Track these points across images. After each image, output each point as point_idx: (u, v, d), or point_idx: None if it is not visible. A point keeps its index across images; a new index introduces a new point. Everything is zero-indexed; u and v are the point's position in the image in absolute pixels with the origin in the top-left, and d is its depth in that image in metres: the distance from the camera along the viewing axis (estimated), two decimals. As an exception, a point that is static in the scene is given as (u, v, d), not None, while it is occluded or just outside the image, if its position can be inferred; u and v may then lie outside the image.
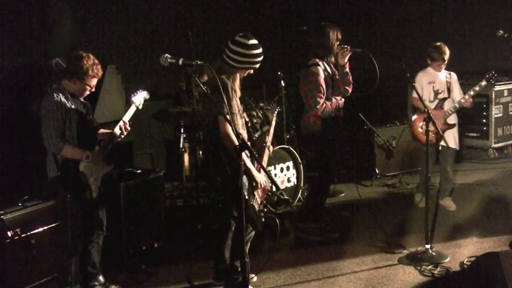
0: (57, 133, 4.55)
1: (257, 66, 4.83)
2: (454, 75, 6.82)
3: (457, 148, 6.86)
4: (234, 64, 4.73)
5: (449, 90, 6.73)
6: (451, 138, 6.69)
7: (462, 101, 6.57)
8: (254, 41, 4.74)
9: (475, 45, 9.78)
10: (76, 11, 7.21)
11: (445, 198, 6.89)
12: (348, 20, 10.35)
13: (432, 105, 6.71)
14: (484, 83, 6.51)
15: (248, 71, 4.85)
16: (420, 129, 6.60)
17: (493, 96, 9.13)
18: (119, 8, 7.99)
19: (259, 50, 4.77)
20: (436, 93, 6.73)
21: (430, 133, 6.48)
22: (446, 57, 6.63)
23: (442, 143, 6.54)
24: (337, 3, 10.40)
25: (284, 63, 9.33)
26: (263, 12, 10.04)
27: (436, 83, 6.72)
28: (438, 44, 6.69)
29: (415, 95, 6.76)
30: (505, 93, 9.30)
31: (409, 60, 6.69)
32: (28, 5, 6.59)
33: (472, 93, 6.56)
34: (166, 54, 4.02)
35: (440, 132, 5.96)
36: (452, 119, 6.72)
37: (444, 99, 6.65)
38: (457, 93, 6.75)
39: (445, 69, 6.80)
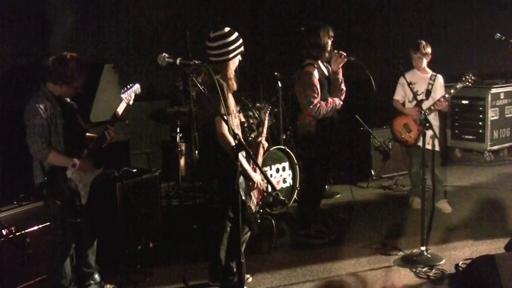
0: (43, 140, 4.46)
1: (243, 49, 4.81)
2: (440, 78, 6.80)
3: (438, 149, 6.81)
4: (224, 58, 4.71)
5: (429, 92, 6.73)
6: (430, 140, 6.66)
7: (437, 103, 6.59)
8: (228, 27, 4.76)
9: (473, 48, 9.80)
10: (74, 10, 7.20)
11: (441, 200, 6.88)
12: (347, 21, 10.35)
13: (411, 106, 6.80)
14: (459, 85, 6.53)
15: (238, 58, 4.82)
16: (398, 130, 6.86)
17: (490, 99, 9.14)
18: (116, 7, 7.97)
19: (237, 32, 4.78)
20: (415, 94, 6.72)
21: (407, 134, 6.68)
22: (422, 50, 6.67)
23: (420, 143, 6.51)
24: (335, 4, 10.38)
25: (281, 64, 9.33)
26: (261, 12, 10.04)
27: (417, 85, 6.71)
28: (418, 40, 6.78)
29: (395, 96, 6.94)
30: (502, 96, 9.31)
31: (407, 63, 6.74)
32: (28, 3, 6.57)
33: (447, 95, 6.61)
34: (164, 54, 4.01)
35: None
36: (431, 121, 6.71)
37: (421, 101, 6.62)
38: (439, 96, 6.71)
39: (433, 70, 6.83)
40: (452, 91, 6.58)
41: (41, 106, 4.48)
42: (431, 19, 10.24)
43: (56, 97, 4.60)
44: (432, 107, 6.58)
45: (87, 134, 4.91)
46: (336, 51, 5.88)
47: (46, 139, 4.48)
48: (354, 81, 6.79)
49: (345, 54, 5.85)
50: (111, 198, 5.54)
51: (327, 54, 5.92)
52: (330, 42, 5.90)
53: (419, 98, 6.64)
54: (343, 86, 5.99)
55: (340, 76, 5.97)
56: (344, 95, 6.03)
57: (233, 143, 4.53)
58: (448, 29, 10.02)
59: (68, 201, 4.56)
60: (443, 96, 6.58)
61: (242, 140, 3.90)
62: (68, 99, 4.75)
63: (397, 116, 6.91)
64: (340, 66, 5.91)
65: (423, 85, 6.75)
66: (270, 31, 10.06)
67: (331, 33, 5.90)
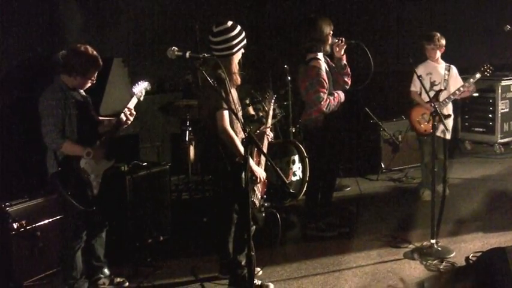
0: (57, 130, 4.49)
1: (246, 42, 4.79)
2: (454, 68, 6.87)
3: (449, 138, 6.83)
4: (228, 52, 4.67)
5: (446, 82, 6.77)
6: (447, 132, 6.69)
7: (457, 93, 6.65)
8: (230, 21, 4.73)
9: (482, 40, 9.74)
10: (83, 3, 7.21)
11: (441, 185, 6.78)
12: (350, 14, 10.29)
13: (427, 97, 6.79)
14: (478, 75, 6.61)
15: (242, 51, 4.79)
16: (417, 119, 6.85)
17: (500, 91, 9.10)
18: (125, 1, 7.98)
19: (239, 26, 4.76)
20: (433, 84, 6.79)
21: (426, 124, 6.68)
22: (436, 42, 6.73)
23: (438, 133, 6.52)
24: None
25: (290, 56, 9.31)
26: (270, 4, 10.02)
27: (434, 75, 6.77)
28: (432, 32, 6.83)
29: (412, 88, 6.95)
30: (512, 88, 9.28)
31: (418, 54, 6.74)
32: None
33: (467, 84, 6.66)
34: (174, 47, 4.01)
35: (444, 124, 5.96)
36: (448, 110, 6.75)
37: (440, 90, 6.67)
38: (455, 86, 6.77)
39: (446, 61, 6.86)
40: (471, 80, 6.61)
41: (56, 97, 4.53)
42: (440, 11, 10.18)
43: (69, 88, 4.65)
44: (452, 96, 6.63)
45: (104, 118, 4.93)
46: (335, 38, 5.87)
47: (60, 129, 4.52)
48: (363, 74, 6.76)
49: (343, 39, 5.84)
50: (121, 191, 5.56)
51: (328, 47, 5.88)
52: (330, 34, 5.85)
53: (437, 88, 6.72)
54: (349, 71, 6.01)
55: (345, 61, 5.97)
56: (350, 79, 6.03)
57: (235, 137, 4.53)
58: (458, 20, 9.96)
59: (80, 191, 4.60)
60: (464, 86, 6.64)
61: (252, 134, 3.89)
62: (82, 91, 4.79)
63: (415, 106, 6.93)
64: (343, 51, 5.90)
65: (439, 75, 6.79)
66: (279, 23, 10.03)
67: (331, 26, 5.85)
